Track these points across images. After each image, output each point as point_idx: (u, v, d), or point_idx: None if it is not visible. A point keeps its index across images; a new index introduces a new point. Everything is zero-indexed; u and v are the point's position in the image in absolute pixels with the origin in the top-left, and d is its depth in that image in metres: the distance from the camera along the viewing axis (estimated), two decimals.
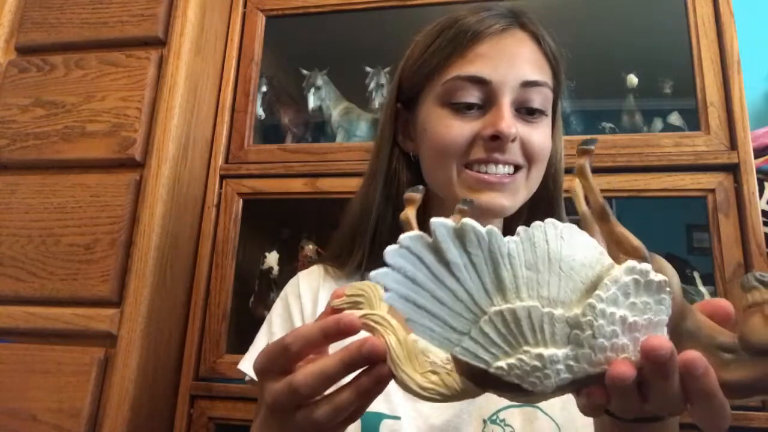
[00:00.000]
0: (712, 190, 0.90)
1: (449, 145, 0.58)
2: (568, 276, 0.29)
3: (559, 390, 0.30)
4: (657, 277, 0.29)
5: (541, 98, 0.59)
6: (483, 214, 0.58)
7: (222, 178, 1.07)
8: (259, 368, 0.38)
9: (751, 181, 0.88)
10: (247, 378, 0.67)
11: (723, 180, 0.90)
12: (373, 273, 0.30)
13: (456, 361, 0.32)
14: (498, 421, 0.57)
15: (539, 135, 0.59)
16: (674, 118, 1.08)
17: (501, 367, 0.30)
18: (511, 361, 0.29)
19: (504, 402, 0.57)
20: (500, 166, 0.57)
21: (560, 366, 0.29)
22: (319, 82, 1.19)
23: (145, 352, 0.88)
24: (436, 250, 0.29)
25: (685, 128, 1.05)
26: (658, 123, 1.10)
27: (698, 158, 0.92)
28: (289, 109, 1.24)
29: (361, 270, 0.67)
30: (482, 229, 0.29)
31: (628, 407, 0.31)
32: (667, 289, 0.29)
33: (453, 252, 0.29)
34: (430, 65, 0.61)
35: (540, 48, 0.61)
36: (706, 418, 0.30)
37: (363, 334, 0.35)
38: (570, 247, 0.30)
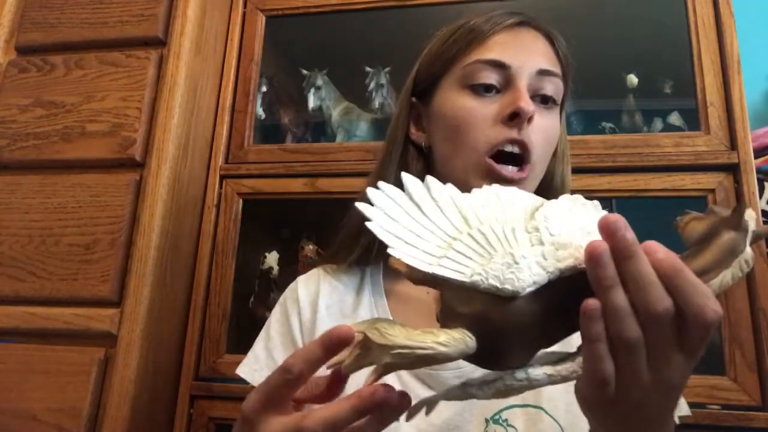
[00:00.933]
0: (712, 190, 0.90)
1: (469, 126, 0.59)
2: (515, 205, 0.37)
3: (539, 294, 0.33)
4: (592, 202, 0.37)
5: (554, 88, 0.61)
6: None
7: (222, 178, 1.07)
8: (256, 406, 0.37)
9: (751, 181, 0.88)
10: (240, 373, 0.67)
11: (723, 180, 0.90)
12: (358, 204, 0.34)
13: (441, 301, 0.36)
14: (501, 420, 0.57)
15: (551, 121, 0.61)
16: (674, 118, 1.08)
17: (479, 273, 0.33)
18: (487, 267, 0.33)
19: (507, 401, 0.57)
20: (515, 146, 0.58)
21: (530, 261, 0.33)
22: (319, 82, 1.19)
23: (145, 352, 0.88)
24: (410, 197, 0.36)
25: (685, 128, 1.05)
26: (658, 123, 1.10)
27: (698, 158, 0.92)
28: (289, 109, 1.24)
29: (361, 265, 0.68)
30: (443, 184, 0.37)
31: (625, 328, 0.32)
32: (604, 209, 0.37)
33: (423, 197, 0.36)
34: (451, 53, 0.63)
35: (553, 47, 0.64)
36: (691, 305, 0.32)
37: (363, 376, 0.35)
38: (511, 193, 0.38)
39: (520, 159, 0.58)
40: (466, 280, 0.33)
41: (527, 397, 0.57)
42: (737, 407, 0.82)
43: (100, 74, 1.02)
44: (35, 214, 0.96)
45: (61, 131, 0.99)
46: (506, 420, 0.57)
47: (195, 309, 1.00)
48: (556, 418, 0.57)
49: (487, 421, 0.57)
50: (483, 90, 0.60)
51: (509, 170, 0.58)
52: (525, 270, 0.32)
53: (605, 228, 0.32)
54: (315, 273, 0.71)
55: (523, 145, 0.58)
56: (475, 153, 0.59)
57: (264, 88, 1.18)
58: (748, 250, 0.34)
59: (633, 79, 1.11)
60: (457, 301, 0.34)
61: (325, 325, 0.65)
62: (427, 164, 0.66)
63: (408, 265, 0.33)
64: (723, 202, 0.89)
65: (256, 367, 0.66)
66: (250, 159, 1.08)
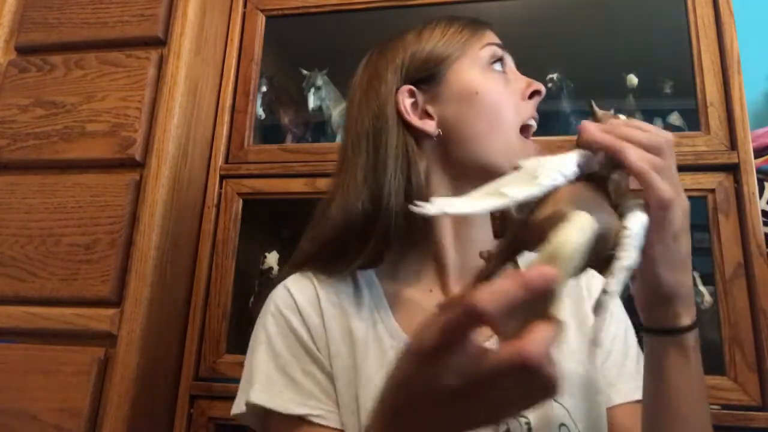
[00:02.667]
0: (712, 190, 0.90)
1: (505, 104, 0.63)
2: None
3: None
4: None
5: None
6: None
7: (222, 178, 1.07)
8: (431, 345, 0.34)
9: (751, 181, 0.88)
10: (233, 412, 0.62)
11: (723, 180, 0.90)
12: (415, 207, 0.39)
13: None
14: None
15: None
16: (674, 118, 1.08)
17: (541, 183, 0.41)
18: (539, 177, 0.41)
19: None
20: (532, 120, 0.65)
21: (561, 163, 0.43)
22: (319, 82, 1.19)
23: (145, 352, 0.88)
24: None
25: (685, 128, 1.05)
26: (658, 123, 1.10)
27: (698, 158, 0.92)
28: (289, 109, 1.24)
29: (354, 272, 0.65)
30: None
31: (651, 137, 0.44)
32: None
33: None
34: (462, 38, 0.65)
35: None
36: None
37: None
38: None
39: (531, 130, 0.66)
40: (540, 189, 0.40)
41: None
42: (737, 407, 0.82)
43: (100, 74, 1.02)
44: (35, 214, 0.96)
45: (61, 131, 0.99)
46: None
47: (195, 309, 1.00)
48: (563, 403, 0.57)
49: None
50: (500, 65, 0.65)
51: (535, 145, 0.65)
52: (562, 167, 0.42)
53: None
54: (301, 276, 0.66)
55: (536, 119, 0.65)
56: (512, 128, 0.63)
57: (264, 88, 1.18)
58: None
59: (633, 79, 1.11)
60: (534, 212, 0.40)
61: (334, 328, 0.62)
62: (427, 154, 0.64)
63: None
64: (723, 202, 0.89)
65: (274, 391, 0.59)
66: (250, 159, 1.08)
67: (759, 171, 0.91)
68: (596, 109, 0.48)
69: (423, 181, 0.62)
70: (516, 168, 0.43)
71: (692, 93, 0.96)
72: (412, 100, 0.65)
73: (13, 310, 0.91)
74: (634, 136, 0.44)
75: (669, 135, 0.45)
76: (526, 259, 0.43)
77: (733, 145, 0.91)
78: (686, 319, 0.48)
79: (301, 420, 0.58)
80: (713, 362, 0.85)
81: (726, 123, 0.92)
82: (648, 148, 0.44)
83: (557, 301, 0.33)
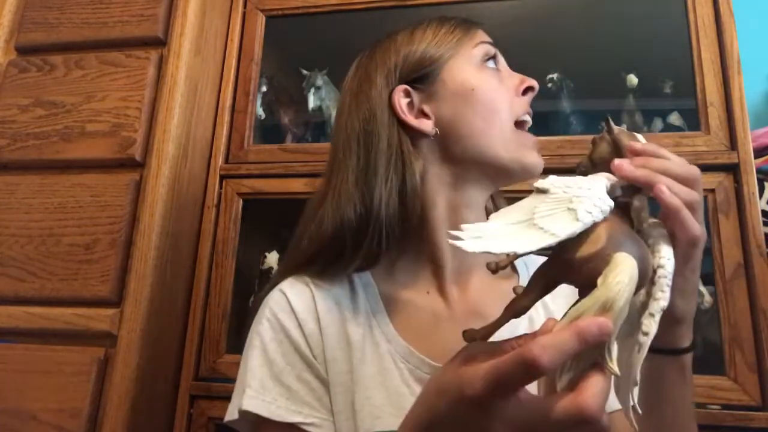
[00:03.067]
0: (712, 190, 0.90)
1: (500, 99, 0.64)
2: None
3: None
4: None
5: None
6: (533, 173, 0.64)
7: (222, 178, 1.07)
8: (485, 394, 0.34)
9: (751, 181, 0.88)
10: (226, 419, 0.61)
11: (723, 180, 0.90)
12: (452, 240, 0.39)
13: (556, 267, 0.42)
14: None
15: None
16: (674, 118, 1.08)
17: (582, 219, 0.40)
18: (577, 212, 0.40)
19: None
20: (527, 116, 0.65)
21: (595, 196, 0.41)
22: (319, 82, 1.19)
23: (145, 352, 0.88)
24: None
25: (685, 128, 1.05)
26: (658, 123, 1.10)
27: (698, 158, 0.92)
28: (289, 109, 1.24)
29: (351, 275, 0.65)
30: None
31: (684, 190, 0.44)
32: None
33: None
34: (455, 37, 0.66)
35: None
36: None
37: None
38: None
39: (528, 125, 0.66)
40: (585, 224, 0.38)
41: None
42: (737, 407, 0.82)
43: (100, 74, 1.02)
44: (35, 214, 0.96)
45: (61, 131, 0.99)
46: None
47: (195, 309, 1.00)
48: None
49: None
50: (493, 63, 0.66)
51: (532, 137, 0.65)
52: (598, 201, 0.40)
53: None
54: (297, 280, 0.65)
55: (530, 114, 0.66)
56: (507, 122, 0.63)
57: (264, 88, 1.18)
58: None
59: (633, 79, 1.11)
60: (572, 249, 0.38)
61: (331, 334, 0.61)
62: (423, 154, 0.63)
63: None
64: (723, 202, 0.89)
65: (268, 398, 0.58)
66: (250, 159, 1.08)
67: (759, 171, 0.91)
68: (612, 125, 0.48)
69: (418, 181, 0.62)
70: (539, 191, 0.43)
71: (692, 93, 0.96)
72: (408, 99, 0.64)
73: (13, 310, 0.91)
74: (670, 170, 0.44)
75: (698, 170, 0.46)
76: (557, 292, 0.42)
77: (733, 145, 0.91)
78: (687, 340, 0.51)
79: (294, 428, 0.58)
80: (713, 362, 0.85)
81: (726, 123, 0.92)
82: (682, 181, 0.45)
83: (610, 350, 0.35)
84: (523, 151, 0.63)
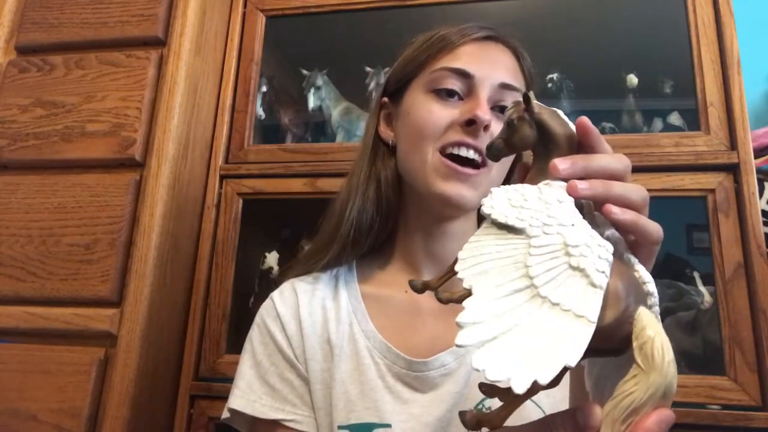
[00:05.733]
0: (712, 190, 0.90)
1: (428, 126, 0.63)
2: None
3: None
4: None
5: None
6: (447, 204, 0.62)
7: (222, 178, 1.07)
8: None
9: (751, 181, 0.88)
10: (222, 417, 0.66)
11: (723, 180, 0.90)
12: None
13: None
14: (484, 409, 0.58)
15: None
16: (674, 118, 1.08)
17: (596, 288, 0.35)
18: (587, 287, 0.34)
19: None
20: (471, 151, 0.61)
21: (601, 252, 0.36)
22: (319, 82, 1.19)
23: (145, 352, 0.88)
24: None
25: (685, 128, 1.05)
26: (658, 123, 1.10)
27: (698, 158, 0.92)
28: (289, 109, 1.24)
29: (330, 266, 0.70)
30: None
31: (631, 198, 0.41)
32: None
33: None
34: (421, 58, 0.67)
35: (519, 63, 0.68)
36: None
37: None
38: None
39: (478, 164, 0.62)
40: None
41: None
42: (737, 407, 0.82)
43: (100, 74, 1.02)
44: (35, 214, 0.96)
45: (61, 131, 0.99)
46: (489, 408, 0.57)
47: (195, 309, 1.00)
48: (539, 404, 0.58)
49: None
50: (446, 95, 0.64)
51: (464, 169, 0.61)
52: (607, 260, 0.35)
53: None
54: (288, 285, 0.70)
55: (478, 151, 0.61)
56: (429, 150, 0.63)
57: (264, 88, 1.18)
58: None
59: (633, 79, 1.11)
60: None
61: (311, 334, 0.65)
62: (396, 160, 0.70)
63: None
64: (723, 202, 0.89)
65: (253, 397, 0.64)
66: (250, 159, 1.08)
67: (759, 171, 0.91)
68: (534, 102, 0.42)
69: (390, 182, 0.68)
70: (503, 226, 0.37)
71: (692, 93, 0.96)
72: (387, 111, 0.72)
73: (13, 310, 0.91)
74: (608, 167, 0.42)
75: (626, 160, 0.44)
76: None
77: (733, 145, 0.91)
78: None
79: (277, 424, 0.62)
80: (713, 362, 0.85)
81: (726, 123, 0.92)
82: (620, 176, 0.43)
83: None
84: (436, 178, 0.62)
